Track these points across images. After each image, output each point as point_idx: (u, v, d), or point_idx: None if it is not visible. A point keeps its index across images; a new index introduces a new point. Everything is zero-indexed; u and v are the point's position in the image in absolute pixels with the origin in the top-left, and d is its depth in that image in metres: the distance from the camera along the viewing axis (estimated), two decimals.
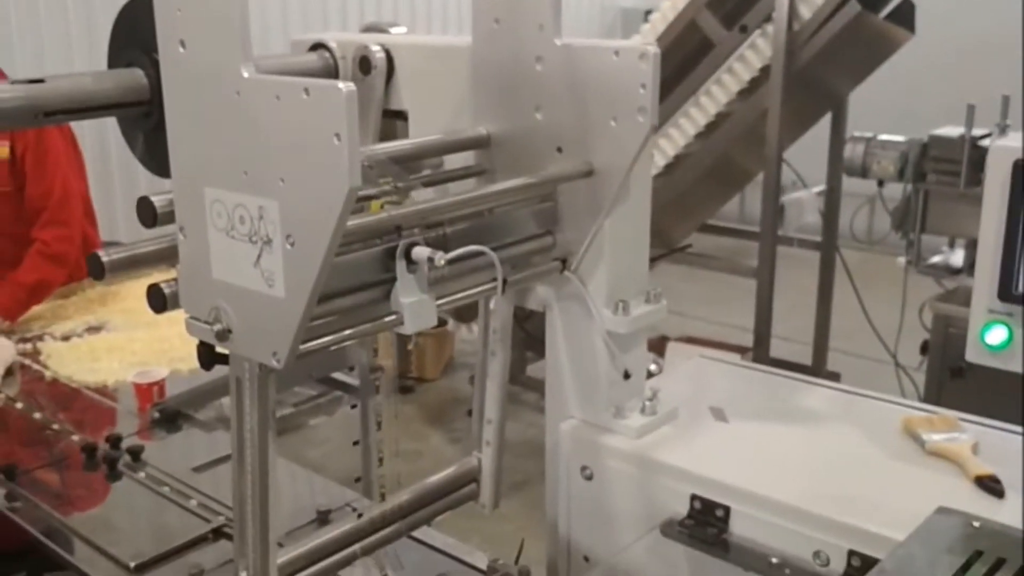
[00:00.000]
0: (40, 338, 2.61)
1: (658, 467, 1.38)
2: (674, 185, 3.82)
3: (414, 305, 1.16)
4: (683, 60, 3.86)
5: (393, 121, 1.60)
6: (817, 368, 3.90)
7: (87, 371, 2.38)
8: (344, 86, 0.89)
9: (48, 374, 2.39)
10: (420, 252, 1.15)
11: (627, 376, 1.47)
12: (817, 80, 3.51)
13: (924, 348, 2.96)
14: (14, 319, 2.70)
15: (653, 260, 4.40)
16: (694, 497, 1.34)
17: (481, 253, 1.21)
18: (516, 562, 1.77)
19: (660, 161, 3.82)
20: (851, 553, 1.17)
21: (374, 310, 1.18)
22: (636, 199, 1.41)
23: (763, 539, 1.27)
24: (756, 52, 3.51)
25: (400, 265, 1.16)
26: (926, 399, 2.89)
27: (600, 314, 1.41)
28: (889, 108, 4.83)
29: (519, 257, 1.39)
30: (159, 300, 1.13)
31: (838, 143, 3.69)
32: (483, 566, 1.52)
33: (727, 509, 1.31)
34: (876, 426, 1.45)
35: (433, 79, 1.52)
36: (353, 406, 2.02)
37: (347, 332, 1.15)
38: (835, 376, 4.03)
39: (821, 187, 3.92)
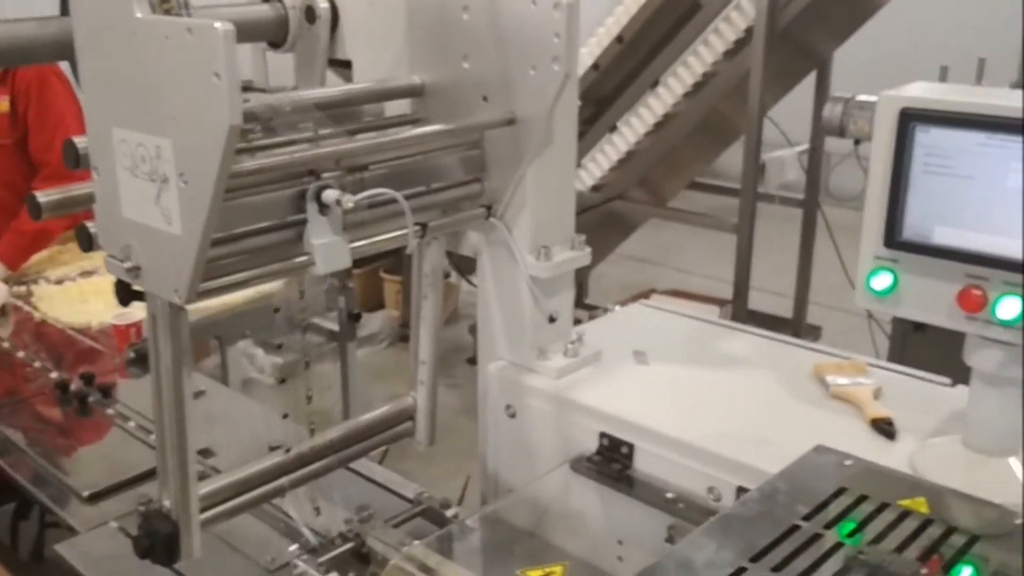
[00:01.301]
0: (35, 281, 2.67)
1: (573, 406, 1.40)
2: (663, 143, 3.80)
3: (325, 247, 1.18)
4: (674, 22, 3.83)
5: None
6: (797, 322, 3.89)
7: (74, 313, 2.43)
8: (221, 25, 0.90)
9: (37, 315, 2.45)
10: (330, 194, 1.16)
11: (552, 320, 1.48)
12: (800, 40, 3.45)
13: None
14: (16, 267, 2.76)
15: (646, 217, 4.35)
16: (602, 435, 1.35)
17: (393, 200, 1.22)
18: (461, 499, 1.81)
19: (649, 120, 3.80)
20: (739, 489, 1.19)
21: (288, 251, 1.20)
22: (559, 148, 1.41)
23: (663, 475, 1.29)
24: (741, 13, 3.47)
25: (311, 207, 1.17)
26: (891, 354, 2.88)
27: (524, 259, 1.42)
28: (874, 67, 4.75)
29: (447, 203, 1.40)
30: (86, 239, 1.15)
31: (821, 102, 3.64)
32: (411, 496, 1.55)
33: (631, 446, 1.32)
34: (788, 371, 1.46)
35: (374, 28, 1.52)
36: None
37: (256, 271, 1.16)
38: (816, 329, 4.02)
39: (805, 146, 3.88)
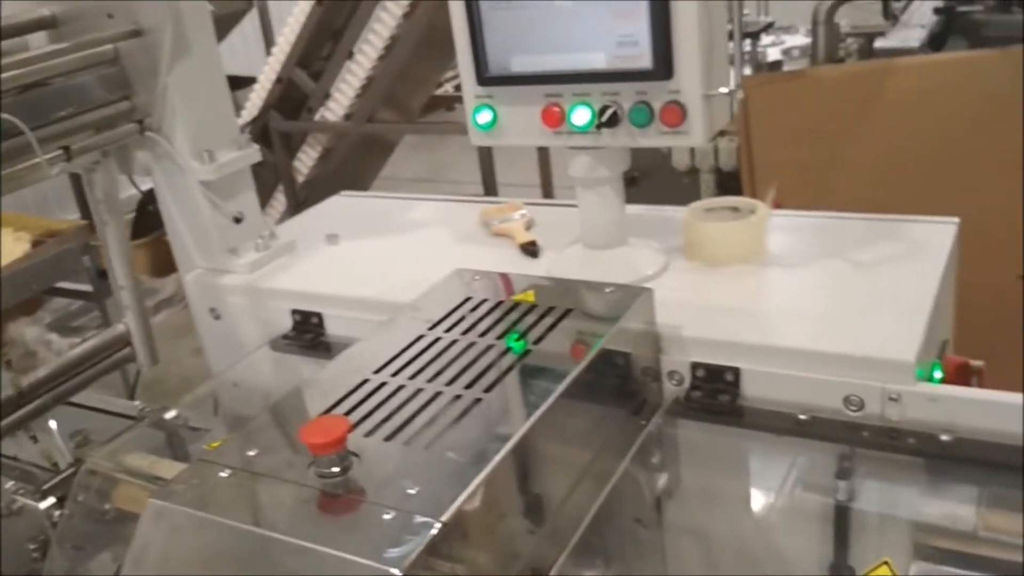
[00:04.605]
0: None
1: (267, 293, 1.42)
2: (396, 63, 3.80)
3: None
4: None
5: None
6: None
7: None
8: None
9: None
10: None
11: (238, 220, 1.49)
12: None
13: None
14: None
15: (400, 134, 4.32)
16: (294, 311, 1.39)
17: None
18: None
19: (378, 43, 3.78)
20: None
21: None
22: (199, 53, 1.39)
23: (353, 334, 1.34)
24: None
25: None
26: None
27: (188, 166, 1.41)
28: None
29: (97, 124, 1.36)
30: None
31: None
32: (134, 414, 1.54)
33: (320, 316, 1.37)
34: (461, 223, 1.54)
35: None
36: None
37: None
38: None
39: None
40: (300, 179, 3.97)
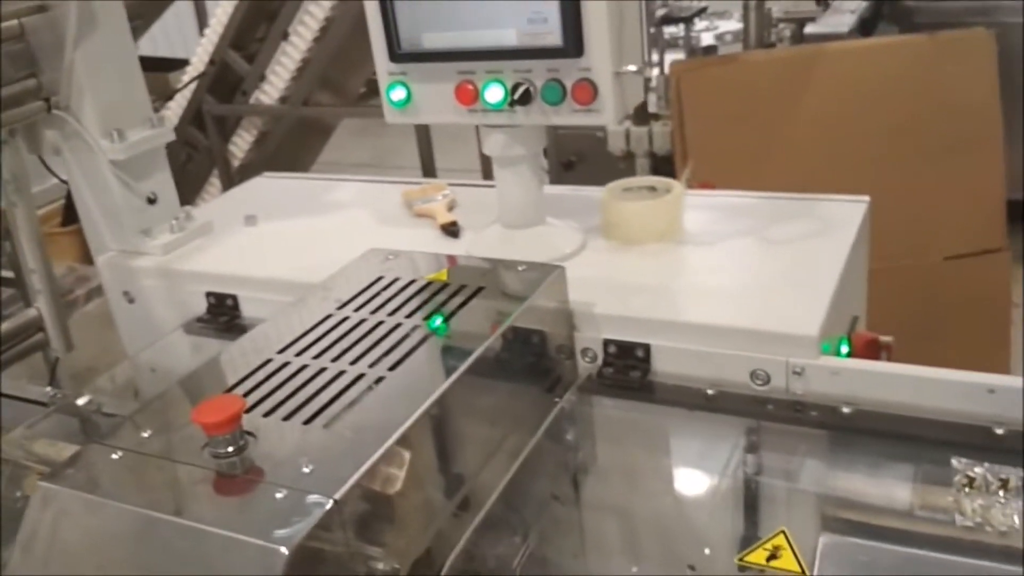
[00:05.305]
0: None
1: (181, 275, 1.39)
2: (331, 44, 3.75)
3: None
4: None
5: None
6: None
7: None
8: None
9: None
10: None
11: (152, 201, 1.46)
12: None
13: None
14: None
15: (338, 118, 4.28)
16: (209, 294, 1.36)
17: None
18: None
19: (314, 25, 3.72)
20: None
21: None
22: (107, 29, 1.35)
23: (268, 316, 1.32)
24: None
25: None
26: None
27: (98, 144, 1.37)
28: None
29: (0, 102, 1.32)
30: None
31: None
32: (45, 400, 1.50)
33: (235, 297, 1.34)
34: (384, 204, 1.52)
35: None
36: None
37: None
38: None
39: None
40: (235, 164, 3.90)
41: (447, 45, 1.14)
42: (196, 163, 4.01)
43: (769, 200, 1.35)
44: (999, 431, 0.94)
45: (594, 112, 1.11)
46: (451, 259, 1.14)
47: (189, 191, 4.01)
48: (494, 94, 1.13)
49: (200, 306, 1.38)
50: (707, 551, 1.00)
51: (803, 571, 0.84)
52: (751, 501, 1.07)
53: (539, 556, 1.02)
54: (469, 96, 1.15)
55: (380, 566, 0.80)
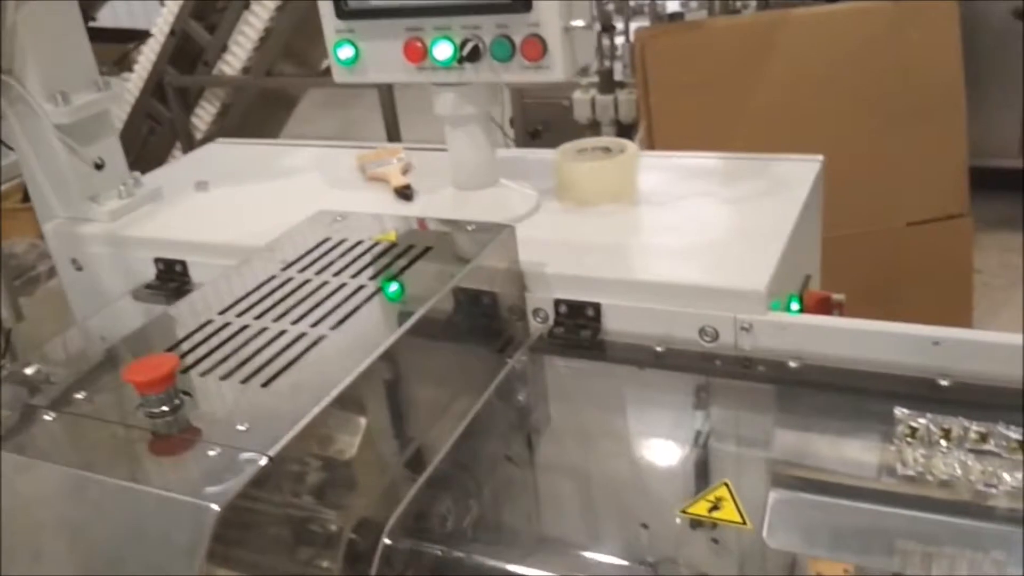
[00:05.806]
0: None
1: (130, 241, 1.37)
2: (293, 13, 3.69)
3: None
4: None
5: None
6: None
7: None
8: None
9: None
10: None
11: (99, 166, 1.43)
12: None
13: None
14: None
15: (303, 88, 4.21)
16: (157, 260, 1.34)
17: None
18: None
19: (271, 4, 3.66)
20: None
21: None
22: None
23: None
24: None
25: None
26: None
27: (42, 108, 1.34)
28: None
29: None
30: None
31: None
32: None
33: (184, 263, 1.32)
34: (337, 169, 1.50)
35: None
36: None
37: None
38: None
39: None
40: (198, 136, 3.84)
41: (394, 1, 1.12)
42: (159, 136, 3.94)
43: (724, 160, 1.35)
44: (944, 383, 0.95)
45: (544, 68, 1.09)
46: (399, 220, 1.13)
47: (151, 165, 3.94)
48: (443, 51, 1.11)
49: (150, 273, 1.36)
50: (658, 508, 1.00)
51: (744, 521, 0.84)
52: (702, 458, 1.07)
53: (493, 517, 1.02)
54: (418, 53, 1.13)
55: (322, 526, 0.80)
